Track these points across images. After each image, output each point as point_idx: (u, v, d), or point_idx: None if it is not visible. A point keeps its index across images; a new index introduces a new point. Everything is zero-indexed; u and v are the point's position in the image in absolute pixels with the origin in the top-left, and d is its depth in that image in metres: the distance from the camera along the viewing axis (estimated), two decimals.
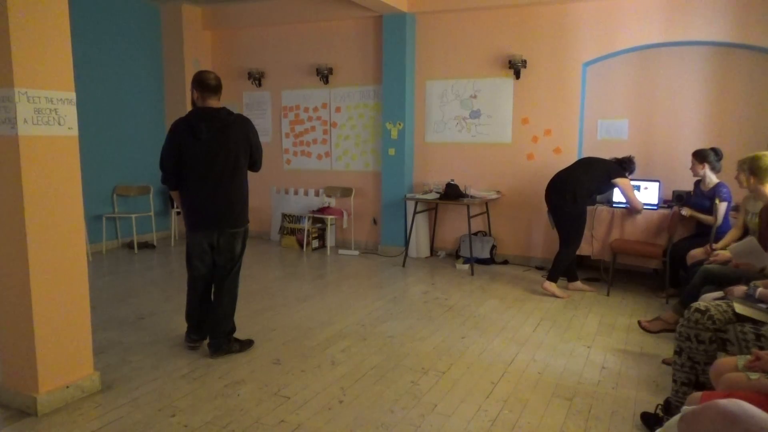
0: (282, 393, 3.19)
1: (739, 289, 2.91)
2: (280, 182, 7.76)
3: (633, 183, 5.59)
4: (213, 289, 3.76)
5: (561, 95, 6.10)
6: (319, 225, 7.28)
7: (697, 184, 5.06)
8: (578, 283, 5.40)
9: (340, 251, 7.08)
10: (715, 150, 4.86)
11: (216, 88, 3.55)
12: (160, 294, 5.21)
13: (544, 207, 6.25)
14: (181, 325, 3.93)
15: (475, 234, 6.52)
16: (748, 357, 2.22)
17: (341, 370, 3.50)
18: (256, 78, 7.65)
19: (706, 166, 4.83)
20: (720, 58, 5.60)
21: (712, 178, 4.85)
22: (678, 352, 2.75)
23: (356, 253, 7.01)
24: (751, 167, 3.71)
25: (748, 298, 2.81)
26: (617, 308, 4.83)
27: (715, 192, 4.78)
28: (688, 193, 5.22)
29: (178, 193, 3.69)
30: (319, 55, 7.26)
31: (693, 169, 4.90)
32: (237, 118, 3.61)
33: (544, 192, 5.86)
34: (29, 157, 2.81)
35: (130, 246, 7.14)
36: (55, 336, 2.98)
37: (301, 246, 7.22)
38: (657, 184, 5.52)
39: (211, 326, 3.70)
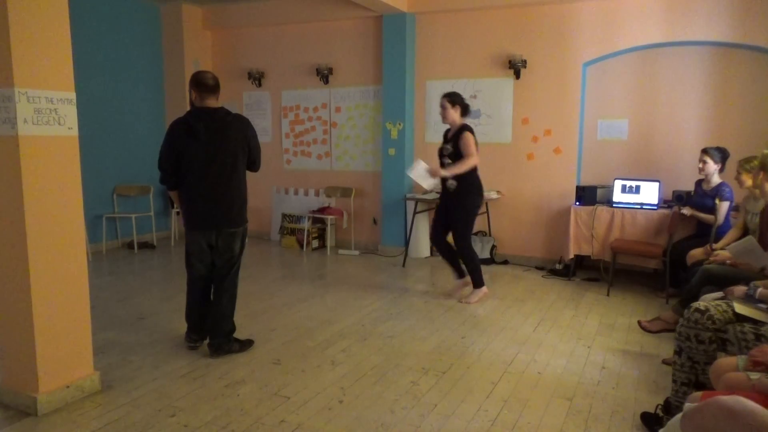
0: (282, 393, 3.19)
1: (739, 289, 2.91)
2: (280, 182, 7.75)
3: (634, 183, 5.60)
4: (213, 289, 3.76)
5: (561, 95, 6.10)
6: (319, 225, 7.28)
7: (699, 183, 5.07)
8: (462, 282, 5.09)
9: (340, 251, 7.08)
10: (723, 150, 4.87)
11: (214, 88, 3.55)
12: (160, 294, 5.21)
13: (545, 207, 6.29)
14: (181, 325, 3.93)
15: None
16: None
17: (341, 370, 3.50)
18: (256, 78, 7.65)
19: (719, 166, 4.84)
20: (720, 58, 5.59)
21: (716, 178, 4.87)
22: (678, 352, 2.75)
23: (356, 253, 7.01)
24: (763, 164, 3.71)
25: (748, 298, 2.81)
26: (617, 308, 4.83)
27: (717, 191, 4.79)
28: (688, 193, 5.22)
29: (176, 193, 3.70)
30: (319, 55, 7.26)
31: (705, 167, 4.87)
32: (235, 117, 3.61)
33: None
34: (29, 157, 2.81)
35: (130, 246, 7.14)
36: (55, 336, 2.98)
37: (301, 246, 7.22)
38: (657, 184, 5.52)
39: (211, 326, 3.70)
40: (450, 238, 4.99)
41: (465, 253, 4.91)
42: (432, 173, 4.75)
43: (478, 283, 4.98)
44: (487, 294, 5.05)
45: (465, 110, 4.85)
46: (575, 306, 4.89)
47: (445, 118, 4.82)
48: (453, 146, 4.76)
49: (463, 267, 5.03)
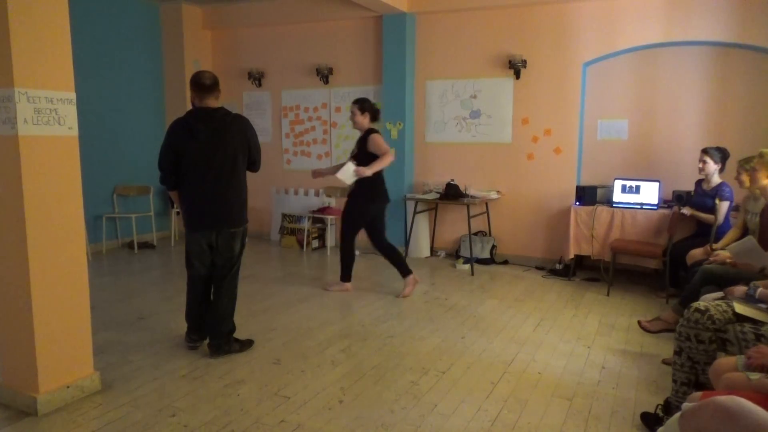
0: (282, 393, 3.19)
1: (739, 289, 2.91)
2: (280, 182, 7.75)
3: (634, 183, 5.61)
4: (212, 289, 3.76)
5: (561, 95, 6.10)
6: (319, 225, 7.28)
7: (699, 183, 5.07)
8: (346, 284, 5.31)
9: None
10: (723, 150, 4.87)
11: (210, 88, 3.53)
12: (160, 294, 5.21)
13: (545, 207, 6.29)
14: (181, 325, 3.93)
15: (475, 234, 6.52)
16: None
17: (341, 370, 3.50)
18: (256, 78, 7.65)
19: (719, 166, 4.84)
20: (720, 58, 5.59)
21: (716, 178, 4.87)
22: (678, 352, 2.75)
23: (356, 253, 6.98)
24: (762, 162, 3.72)
25: (748, 298, 2.81)
26: (617, 308, 4.83)
27: (717, 191, 4.79)
28: (688, 193, 5.23)
29: (176, 193, 3.70)
30: (319, 55, 7.26)
31: (705, 167, 4.87)
32: (235, 118, 3.61)
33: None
34: (29, 157, 2.81)
35: (130, 246, 7.14)
36: (55, 336, 2.98)
37: (301, 246, 7.22)
38: (657, 184, 5.52)
39: (211, 326, 3.70)
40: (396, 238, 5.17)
41: (345, 247, 5.14)
42: (357, 173, 4.86)
43: (344, 277, 5.24)
44: (348, 290, 5.23)
45: (374, 116, 5.04)
46: (575, 306, 4.89)
47: (354, 123, 5.01)
48: (358, 148, 4.97)
49: (403, 264, 5.19)
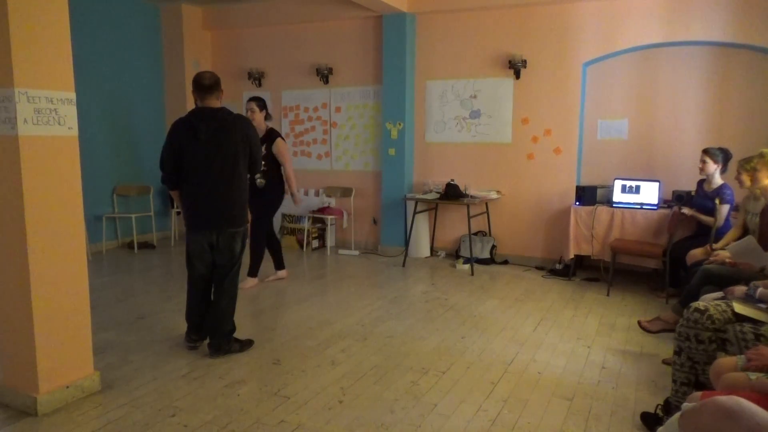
0: (282, 393, 3.19)
1: (739, 289, 2.91)
2: None
3: (634, 183, 5.61)
4: (213, 289, 3.76)
5: (561, 95, 6.10)
6: (319, 225, 7.28)
7: (700, 183, 5.05)
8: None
9: (340, 251, 7.08)
10: (725, 151, 4.85)
11: (209, 88, 3.53)
12: (160, 294, 5.21)
13: (545, 207, 6.29)
14: (181, 325, 3.93)
15: (475, 234, 6.52)
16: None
17: (341, 370, 3.50)
18: (256, 78, 7.65)
19: (719, 166, 4.82)
20: (720, 58, 5.59)
21: (717, 179, 4.85)
22: (678, 352, 2.75)
23: (356, 253, 7.01)
24: (763, 162, 3.73)
25: (748, 298, 2.81)
26: (617, 308, 4.83)
27: (719, 193, 4.76)
28: (688, 193, 5.22)
29: (177, 192, 3.70)
30: (319, 55, 7.26)
31: (704, 167, 4.85)
32: (236, 118, 3.61)
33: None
34: (29, 157, 2.81)
35: (130, 246, 7.14)
36: (55, 336, 2.98)
37: (301, 246, 7.22)
38: (657, 184, 5.52)
39: (211, 326, 3.70)
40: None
41: (258, 241, 5.26)
42: (296, 200, 5.44)
43: (253, 272, 5.36)
44: (255, 285, 5.39)
45: (268, 115, 5.30)
46: (575, 306, 4.89)
47: (252, 120, 5.08)
48: (266, 149, 5.01)
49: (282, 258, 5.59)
